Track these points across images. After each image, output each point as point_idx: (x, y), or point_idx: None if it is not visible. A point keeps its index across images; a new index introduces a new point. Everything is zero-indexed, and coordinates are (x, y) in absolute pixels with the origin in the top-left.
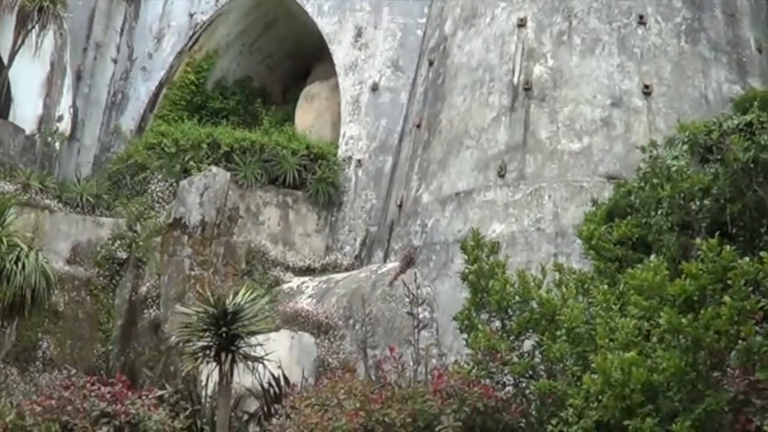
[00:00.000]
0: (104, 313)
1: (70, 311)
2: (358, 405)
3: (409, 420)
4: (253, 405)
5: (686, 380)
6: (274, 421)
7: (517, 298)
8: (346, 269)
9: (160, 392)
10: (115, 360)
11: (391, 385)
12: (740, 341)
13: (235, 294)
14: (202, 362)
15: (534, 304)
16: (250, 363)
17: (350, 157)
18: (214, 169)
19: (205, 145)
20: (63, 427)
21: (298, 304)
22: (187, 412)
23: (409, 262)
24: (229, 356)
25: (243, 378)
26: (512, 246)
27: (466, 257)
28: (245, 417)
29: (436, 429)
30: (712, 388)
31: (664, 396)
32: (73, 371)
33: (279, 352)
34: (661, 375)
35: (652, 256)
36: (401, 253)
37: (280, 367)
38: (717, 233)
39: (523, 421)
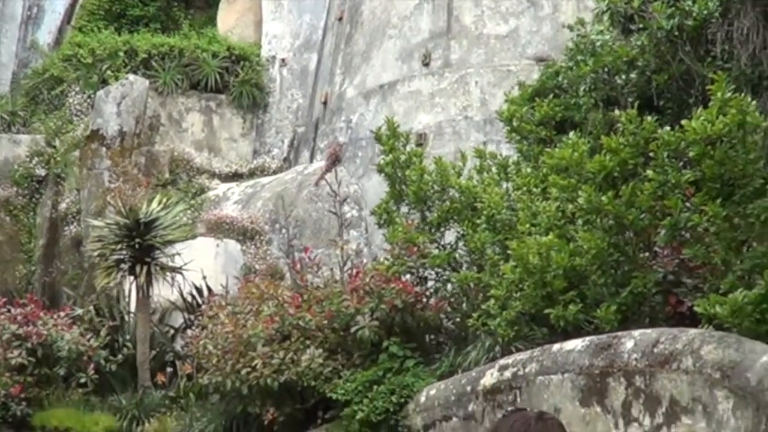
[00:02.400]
0: (25, 234)
1: None
2: (273, 310)
3: (325, 322)
4: (179, 319)
5: (610, 262)
6: (189, 332)
7: (435, 187)
8: (275, 172)
9: (77, 311)
10: (38, 281)
11: (307, 287)
12: (666, 217)
13: (149, 203)
14: (117, 276)
15: (454, 193)
16: (169, 274)
17: (274, 57)
18: (131, 77)
19: (122, 54)
20: None
21: (223, 211)
22: (105, 329)
23: (334, 160)
24: (145, 268)
25: (168, 291)
26: (439, 136)
27: (381, 148)
28: (170, 331)
29: (352, 329)
30: (639, 270)
31: (587, 281)
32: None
33: (204, 261)
34: (584, 258)
35: (572, 133)
36: (327, 151)
37: (205, 277)
38: (642, 106)
39: (445, 316)
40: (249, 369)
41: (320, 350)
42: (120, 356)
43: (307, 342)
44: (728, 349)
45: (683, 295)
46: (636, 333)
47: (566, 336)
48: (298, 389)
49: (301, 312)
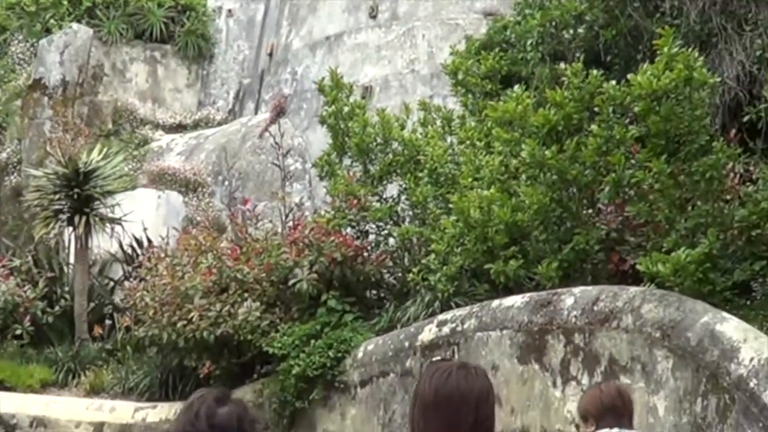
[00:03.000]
0: None
1: None
2: (212, 262)
3: (264, 275)
4: (120, 271)
5: (553, 218)
6: (126, 284)
7: (378, 140)
8: (219, 124)
9: (15, 262)
10: None
11: (247, 239)
12: (610, 174)
13: (89, 153)
14: (55, 227)
15: (397, 146)
16: (109, 225)
17: (220, 7)
18: (74, 26)
19: (65, 2)
20: None
21: (166, 162)
22: (43, 280)
23: (279, 112)
24: (84, 218)
25: (108, 243)
26: (386, 89)
27: (324, 99)
28: (109, 284)
29: (291, 282)
30: (582, 227)
31: (529, 237)
32: None
33: (145, 213)
34: (526, 214)
35: (516, 87)
36: (272, 103)
37: (146, 229)
38: (589, 61)
39: (386, 271)
40: (185, 322)
41: (258, 303)
42: (57, 308)
43: (245, 295)
44: (669, 308)
45: (626, 253)
46: (576, 290)
47: (507, 293)
48: (235, 343)
49: (240, 264)
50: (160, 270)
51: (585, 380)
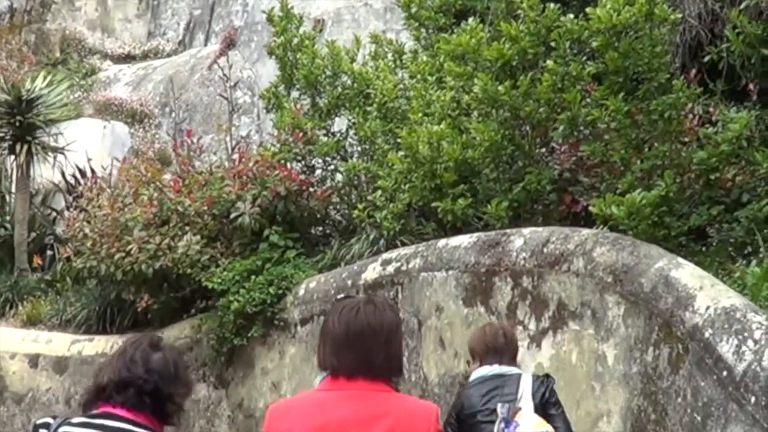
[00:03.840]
0: None
1: None
2: (153, 194)
3: (205, 208)
4: (63, 202)
5: (504, 156)
6: (66, 214)
7: (327, 72)
8: (169, 55)
9: None
10: None
11: (189, 171)
12: (564, 112)
13: (33, 81)
14: None
15: (346, 79)
16: (51, 154)
17: None
18: None
19: None
20: None
21: (112, 93)
22: None
23: (228, 44)
24: (25, 147)
25: (51, 173)
26: (338, 23)
27: (274, 30)
28: (52, 214)
29: (232, 215)
30: (534, 166)
31: (479, 175)
32: None
33: (89, 143)
34: (476, 151)
35: (470, 20)
36: (221, 35)
37: (90, 160)
38: None
39: (331, 206)
40: (123, 254)
41: (198, 237)
42: None
43: (186, 228)
44: (622, 252)
45: (579, 195)
46: (526, 231)
47: (456, 233)
48: (174, 277)
49: (181, 197)
50: (100, 201)
51: (532, 325)
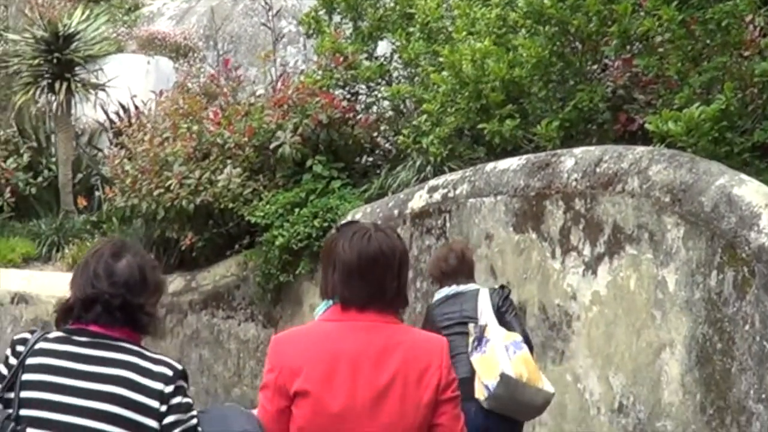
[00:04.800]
0: None
1: None
2: (192, 127)
3: (245, 140)
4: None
5: (553, 74)
6: (106, 151)
7: None
8: None
9: None
10: None
11: (229, 102)
12: (615, 24)
13: (69, 16)
14: (35, 93)
15: (388, 0)
16: (93, 91)
17: None
18: None
19: None
20: None
21: (155, 27)
22: (25, 149)
23: None
24: (64, 84)
25: (97, 112)
26: None
27: None
28: (98, 154)
29: (272, 145)
30: (585, 83)
31: (528, 95)
32: None
33: (133, 80)
34: (524, 69)
35: None
36: None
37: (134, 96)
38: None
39: (377, 134)
40: (163, 190)
41: (239, 170)
42: (41, 179)
43: (227, 161)
44: (680, 169)
45: (634, 112)
46: (577, 151)
47: (505, 156)
48: (217, 212)
49: (221, 129)
50: (139, 137)
51: (587, 250)
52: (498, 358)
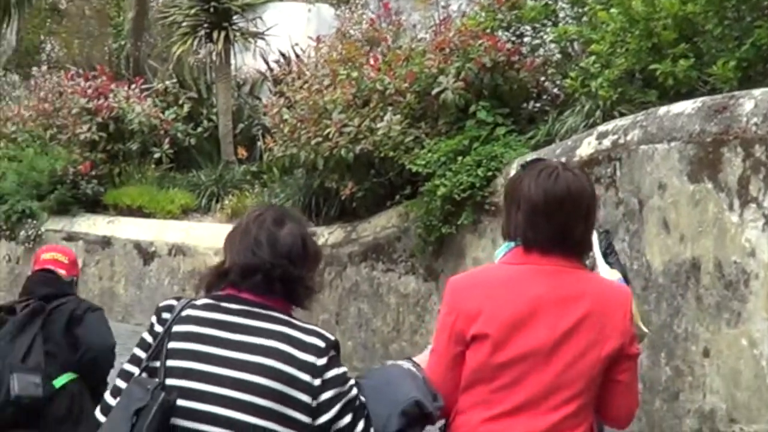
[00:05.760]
0: (114, 7)
1: (74, 9)
2: (354, 74)
3: (406, 85)
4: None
5: (729, 9)
6: (264, 100)
7: None
8: None
9: (154, 83)
10: (129, 55)
11: (390, 47)
12: None
13: None
14: (193, 43)
15: None
16: (251, 40)
17: None
18: None
19: None
20: (51, 127)
21: None
22: (184, 99)
23: None
24: (222, 33)
25: (258, 62)
26: None
27: None
28: (259, 104)
29: (433, 91)
30: (765, 19)
31: (702, 33)
32: (75, 71)
33: (294, 28)
34: (697, 5)
35: None
36: None
37: (296, 45)
38: None
39: (544, 78)
40: (321, 139)
41: (399, 117)
42: (200, 129)
43: (388, 108)
44: None
45: None
46: (757, 92)
47: (679, 99)
48: (377, 161)
49: (381, 75)
50: (298, 85)
51: (767, 202)
52: None
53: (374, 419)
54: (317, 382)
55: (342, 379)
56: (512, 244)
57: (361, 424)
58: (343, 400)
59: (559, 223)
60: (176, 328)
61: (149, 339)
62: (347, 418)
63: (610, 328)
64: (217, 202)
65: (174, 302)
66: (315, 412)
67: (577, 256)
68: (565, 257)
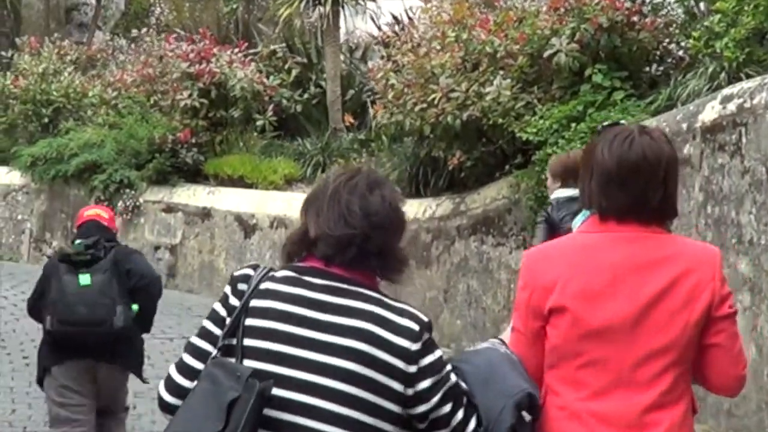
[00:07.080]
0: None
1: None
2: (464, 36)
3: (517, 47)
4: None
5: None
6: (370, 64)
7: None
8: None
9: (258, 48)
10: (240, 20)
11: (501, 7)
12: None
13: None
14: (300, 6)
15: None
16: (362, 3)
17: None
18: None
19: None
20: (155, 93)
21: None
22: (290, 63)
23: None
24: None
25: (366, 25)
26: None
27: None
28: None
29: (546, 53)
30: None
31: None
32: (177, 34)
33: None
34: None
35: None
36: None
37: (410, 8)
38: None
39: (665, 39)
40: (426, 105)
41: (509, 81)
42: (307, 95)
43: (499, 72)
44: None
45: None
46: None
47: None
48: (487, 128)
49: (491, 36)
50: (405, 48)
51: None
52: None
53: (484, 411)
54: (412, 369)
55: (439, 365)
56: (588, 212)
57: (460, 413)
58: (444, 388)
59: (635, 190)
60: (254, 303)
61: (222, 312)
62: (447, 407)
63: (698, 290)
64: (322, 171)
65: (251, 272)
66: (410, 401)
67: (657, 222)
68: (644, 224)
